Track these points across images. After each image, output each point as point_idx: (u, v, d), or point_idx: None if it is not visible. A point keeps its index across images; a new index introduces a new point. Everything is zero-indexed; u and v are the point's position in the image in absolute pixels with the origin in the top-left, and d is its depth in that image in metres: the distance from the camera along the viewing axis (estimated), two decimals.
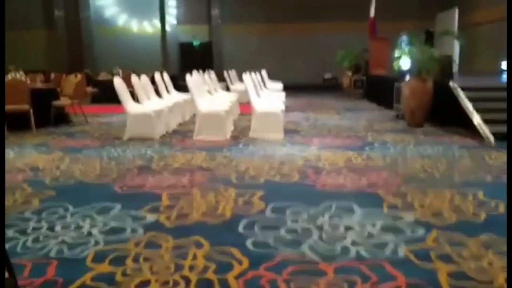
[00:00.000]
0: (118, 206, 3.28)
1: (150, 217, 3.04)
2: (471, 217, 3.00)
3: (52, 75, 12.15)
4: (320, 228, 2.81)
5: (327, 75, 16.57)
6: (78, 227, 2.89)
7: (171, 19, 18.73)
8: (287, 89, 12.23)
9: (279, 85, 12.35)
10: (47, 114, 7.46)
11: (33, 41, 18.26)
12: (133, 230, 2.82)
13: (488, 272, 2.20)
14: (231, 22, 18.41)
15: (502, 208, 3.15)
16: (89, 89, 11.82)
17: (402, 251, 2.45)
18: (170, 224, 2.92)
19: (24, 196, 3.58)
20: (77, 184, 3.98)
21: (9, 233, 2.78)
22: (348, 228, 2.80)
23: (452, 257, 2.37)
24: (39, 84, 9.18)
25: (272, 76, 14.26)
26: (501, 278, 2.13)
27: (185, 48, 18.95)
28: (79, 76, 8.86)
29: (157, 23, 18.63)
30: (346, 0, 17.26)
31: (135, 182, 3.98)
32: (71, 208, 3.27)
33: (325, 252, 2.46)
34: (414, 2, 17.18)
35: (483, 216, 3.02)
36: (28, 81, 8.14)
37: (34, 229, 2.87)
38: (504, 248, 2.47)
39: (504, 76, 10.97)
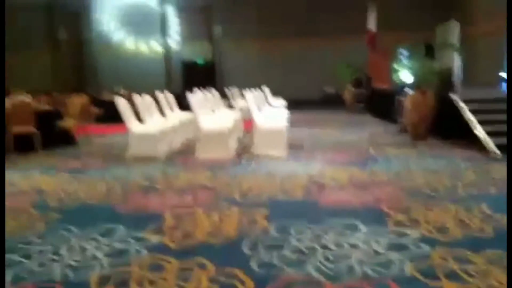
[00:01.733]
0: (122, 228, 3.29)
1: (154, 238, 3.04)
2: (476, 232, 2.98)
3: (56, 96, 12.28)
4: (325, 246, 2.79)
5: (329, 90, 16.64)
6: (83, 250, 2.89)
7: (174, 38, 18.98)
8: (290, 103, 12.28)
9: (282, 102, 12.40)
10: (52, 135, 7.52)
11: (36, 62, 18.49)
12: (137, 252, 2.81)
13: None
14: (233, 40, 18.63)
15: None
16: (93, 109, 11.91)
17: (408, 269, 2.43)
18: (174, 245, 2.92)
19: (29, 220, 3.59)
20: (82, 206, 3.99)
21: (14, 257, 2.78)
22: (353, 246, 2.78)
23: (458, 274, 2.34)
24: (43, 106, 9.29)
25: (274, 91, 14.35)
26: None
27: (188, 67, 19.15)
28: (83, 96, 8.96)
29: (159, 42, 18.88)
30: (346, 14, 17.44)
31: (138, 203, 3.99)
32: (75, 230, 3.27)
33: (330, 271, 2.44)
34: (414, 15, 17.31)
35: (488, 230, 2.99)
36: (33, 103, 8.23)
37: (39, 252, 2.88)
38: None
39: (503, 84, 10.97)
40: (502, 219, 3.20)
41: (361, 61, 13.40)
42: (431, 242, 2.80)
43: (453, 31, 14.51)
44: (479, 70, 14.94)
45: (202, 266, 2.56)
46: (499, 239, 2.84)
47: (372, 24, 13.76)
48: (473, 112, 6.40)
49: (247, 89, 8.12)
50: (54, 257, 2.80)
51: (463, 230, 3.00)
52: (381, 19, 14.47)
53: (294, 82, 18.11)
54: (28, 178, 5.25)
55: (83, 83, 18.03)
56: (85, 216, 3.68)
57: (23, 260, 2.76)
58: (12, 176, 5.31)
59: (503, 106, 6.74)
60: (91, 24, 18.78)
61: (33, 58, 18.24)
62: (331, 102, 16.01)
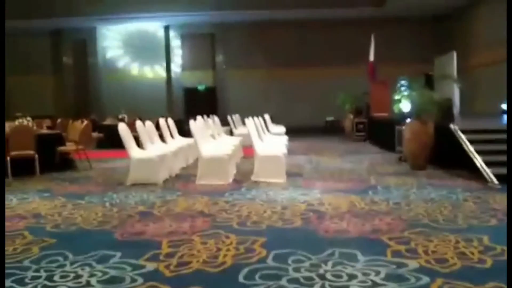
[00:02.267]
0: (118, 254, 3.24)
1: (150, 266, 3.00)
2: (476, 263, 2.94)
3: (59, 121, 12.39)
4: (323, 277, 2.75)
5: (329, 118, 16.77)
6: (77, 276, 2.85)
7: (176, 65, 19.28)
8: (290, 131, 12.36)
9: (282, 129, 12.48)
10: (52, 159, 7.53)
11: (41, 86, 18.78)
12: (132, 280, 2.77)
13: None
14: (235, 68, 18.93)
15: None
16: (95, 134, 11.98)
17: None
18: (170, 273, 2.88)
19: (24, 244, 3.56)
20: (78, 231, 3.96)
21: (7, 283, 2.74)
22: (351, 277, 2.74)
23: None
24: (45, 130, 9.35)
25: (275, 119, 14.46)
26: None
27: (190, 93, 19.37)
28: (85, 121, 9.02)
29: (163, 69, 19.17)
30: (346, 45, 17.78)
31: (136, 229, 3.96)
32: (71, 256, 3.24)
33: None
34: (414, 46, 17.66)
35: (489, 262, 2.95)
36: (35, 127, 8.30)
37: (33, 278, 2.83)
38: None
39: (505, 117, 11.05)
40: (502, 251, 3.16)
41: (362, 91, 13.55)
42: (430, 273, 2.75)
43: (452, 62, 14.75)
44: (477, 101, 15.09)
45: None
46: (498, 271, 2.79)
47: (373, 55, 13.98)
48: (472, 142, 6.42)
49: (249, 116, 8.18)
50: (47, 283, 2.75)
51: (463, 262, 2.96)
52: (382, 51, 14.72)
53: (296, 110, 18.29)
54: (25, 201, 5.23)
55: (87, 108, 18.19)
56: (80, 241, 3.65)
57: (15, 285, 2.72)
58: (9, 199, 5.29)
59: (502, 136, 6.78)
60: (96, 50, 19.11)
61: (38, 83, 18.54)
62: (331, 130, 16.12)
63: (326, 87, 17.40)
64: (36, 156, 6.97)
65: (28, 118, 8.84)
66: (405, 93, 7.56)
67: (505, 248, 3.20)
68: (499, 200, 4.75)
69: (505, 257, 3.04)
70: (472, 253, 3.12)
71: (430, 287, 2.56)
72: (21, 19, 15.53)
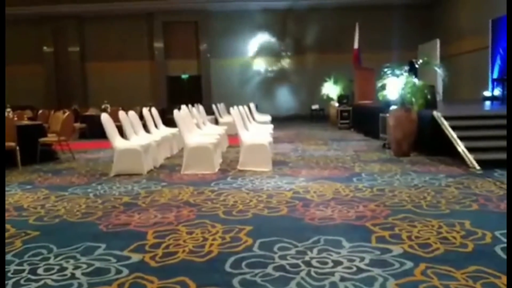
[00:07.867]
0: (103, 246, 3.22)
1: (135, 257, 2.98)
2: (459, 247, 3.00)
3: (40, 111, 12.14)
4: (309, 264, 2.78)
5: (315, 106, 16.81)
6: (62, 269, 2.82)
7: (160, 53, 19.00)
8: (276, 120, 12.37)
9: (267, 117, 12.47)
10: (33, 151, 7.39)
11: (21, 76, 18.30)
12: (118, 271, 2.75)
13: None
14: (219, 56, 18.76)
15: (489, 238, 3.16)
16: (77, 125, 11.79)
17: (391, 286, 2.43)
18: (155, 263, 2.86)
19: (7, 237, 3.49)
20: (62, 224, 3.90)
21: None
22: (336, 263, 2.77)
23: None
24: (26, 121, 9.16)
25: (260, 108, 14.43)
26: None
27: (174, 82, 19.16)
28: (67, 112, 8.86)
29: (146, 57, 18.88)
30: (331, 33, 17.76)
31: (120, 220, 3.92)
32: (54, 249, 3.20)
33: None
34: (398, 34, 17.72)
35: (470, 246, 3.01)
36: (15, 118, 8.11)
37: (16, 272, 2.79)
38: (494, 279, 2.46)
39: (487, 103, 11.24)
40: (484, 235, 3.23)
41: (347, 79, 13.59)
42: (414, 258, 2.80)
43: (435, 49, 14.88)
44: (460, 88, 15.28)
45: (184, 285, 2.51)
46: (479, 255, 2.85)
47: (357, 42, 14.02)
48: (454, 128, 6.51)
49: (234, 105, 8.13)
50: (31, 276, 2.72)
51: (445, 246, 3.02)
52: (367, 38, 14.76)
53: (281, 99, 18.28)
54: (7, 195, 5.13)
55: (68, 98, 17.86)
56: (65, 234, 3.60)
57: None
58: None
59: (483, 122, 6.90)
60: (77, 39, 18.71)
61: (17, 72, 18.04)
62: (317, 118, 16.17)
63: (312, 75, 17.40)
64: (18, 148, 6.83)
65: (8, 109, 8.65)
66: (389, 80, 7.59)
67: (486, 232, 3.27)
68: (481, 186, 4.85)
69: (485, 242, 3.11)
70: (454, 238, 3.18)
71: (413, 272, 2.61)
72: None
